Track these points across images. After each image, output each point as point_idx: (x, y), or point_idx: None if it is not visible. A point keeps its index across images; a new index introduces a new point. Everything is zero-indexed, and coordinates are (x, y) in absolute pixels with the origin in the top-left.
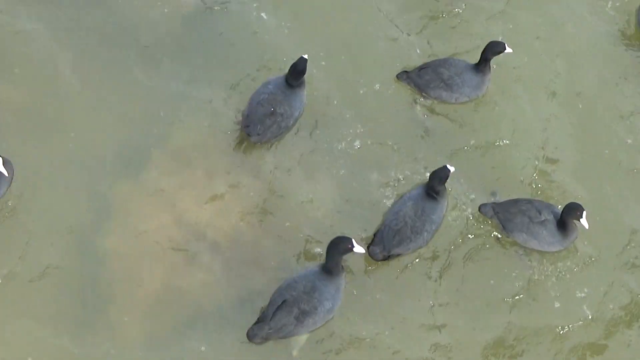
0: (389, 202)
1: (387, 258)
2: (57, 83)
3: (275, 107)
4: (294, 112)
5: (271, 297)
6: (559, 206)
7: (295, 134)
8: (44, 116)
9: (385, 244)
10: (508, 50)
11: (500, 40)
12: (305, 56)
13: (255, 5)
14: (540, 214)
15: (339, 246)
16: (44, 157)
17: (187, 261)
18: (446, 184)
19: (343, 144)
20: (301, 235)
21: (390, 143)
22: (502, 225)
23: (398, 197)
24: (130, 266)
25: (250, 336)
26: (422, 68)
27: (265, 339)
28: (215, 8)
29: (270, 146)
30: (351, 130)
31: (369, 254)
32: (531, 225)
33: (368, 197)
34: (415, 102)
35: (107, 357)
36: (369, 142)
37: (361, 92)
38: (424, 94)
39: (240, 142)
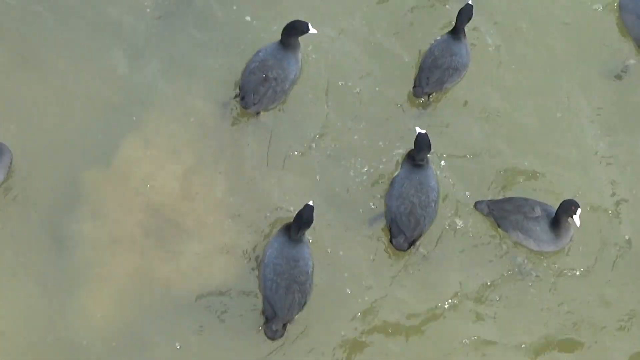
0: (373, 200)
1: (411, 245)
2: (35, 68)
3: (267, 73)
4: (289, 74)
5: (265, 289)
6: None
7: (274, 128)
8: (21, 101)
9: (405, 232)
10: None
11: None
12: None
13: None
14: (534, 210)
15: (303, 216)
16: (17, 143)
17: (158, 250)
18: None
19: (327, 139)
20: (275, 227)
21: (380, 144)
22: (497, 223)
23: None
24: (102, 253)
25: (272, 336)
26: (427, 76)
27: (284, 328)
28: None
29: (248, 142)
30: (338, 124)
31: (395, 247)
32: (525, 222)
33: (351, 193)
34: (429, 100)
35: (79, 347)
36: (355, 138)
37: (351, 89)
38: (442, 91)
39: (216, 133)
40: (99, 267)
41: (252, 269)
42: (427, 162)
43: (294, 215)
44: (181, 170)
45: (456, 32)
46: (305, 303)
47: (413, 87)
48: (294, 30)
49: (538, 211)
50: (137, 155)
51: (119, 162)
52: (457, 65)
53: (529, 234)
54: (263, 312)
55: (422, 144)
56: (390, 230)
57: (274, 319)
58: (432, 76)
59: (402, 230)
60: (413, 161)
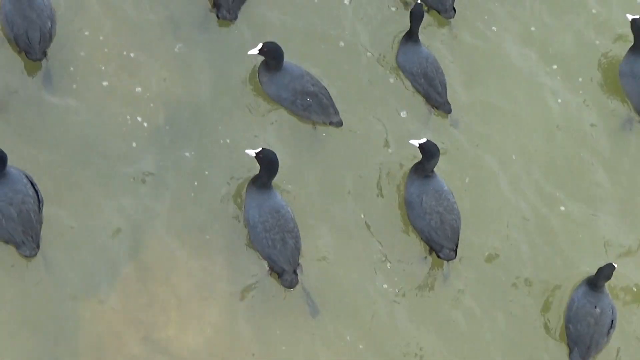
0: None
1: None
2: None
3: (310, 94)
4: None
5: (265, 248)
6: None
7: None
8: None
9: (445, 244)
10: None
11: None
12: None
13: None
14: (595, 307)
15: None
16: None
17: None
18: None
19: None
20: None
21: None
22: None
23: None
24: None
25: (290, 286)
26: (437, 92)
27: (296, 274)
28: None
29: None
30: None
31: (444, 259)
32: (599, 319)
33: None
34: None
35: None
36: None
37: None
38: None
39: (205, 259)
40: None
41: None
42: (434, 171)
43: (262, 164)
44: (178, 300)
45: (413, 34)
46: (300, 246)
47: (437, 108)
48: (281, 55)
49: (596, 306)
50: (132, 289)
51: (111, 297)
52: (437, 64)
53: (607, 327)
54: (271, 269)
55: (431, 152)
56: (431, 247)
57: (285, 272)
58: (440, 85)
59: (443, 243)
60: (422, 173)
